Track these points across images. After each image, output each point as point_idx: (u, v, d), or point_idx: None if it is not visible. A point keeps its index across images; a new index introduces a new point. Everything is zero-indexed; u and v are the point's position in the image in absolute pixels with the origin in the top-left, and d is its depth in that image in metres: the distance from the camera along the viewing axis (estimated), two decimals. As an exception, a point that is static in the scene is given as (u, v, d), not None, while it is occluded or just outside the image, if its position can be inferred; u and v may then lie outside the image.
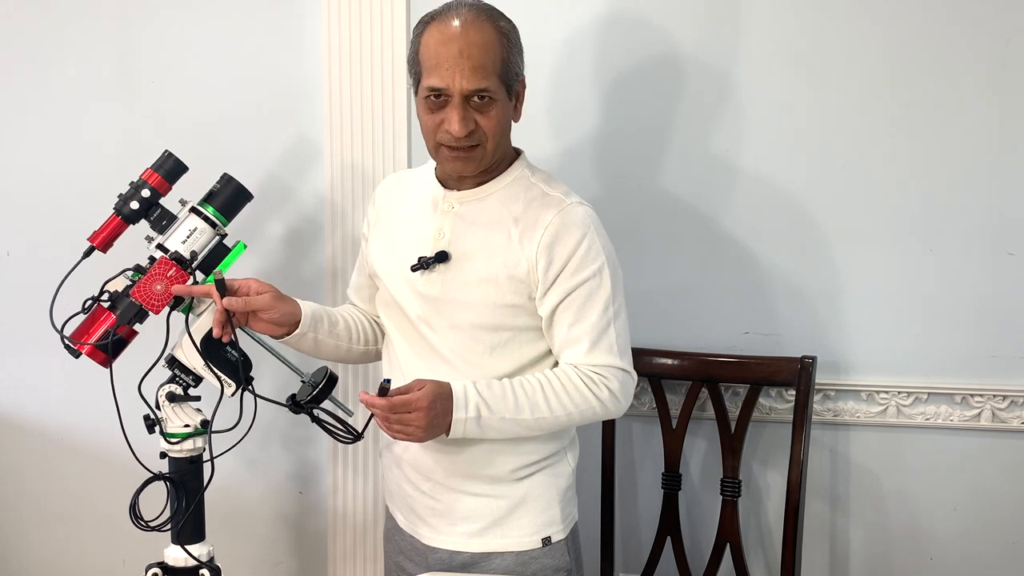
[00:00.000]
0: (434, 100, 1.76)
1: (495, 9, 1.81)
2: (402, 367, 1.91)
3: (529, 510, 1.87)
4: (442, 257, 1.83)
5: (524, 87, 1.86)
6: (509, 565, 1.86)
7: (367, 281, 2.04)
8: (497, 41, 1.75)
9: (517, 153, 1.91)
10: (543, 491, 1.88)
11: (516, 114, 1.85)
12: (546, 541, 1.88)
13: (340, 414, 1.97)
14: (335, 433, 1.97)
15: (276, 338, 1.95)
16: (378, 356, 2.07)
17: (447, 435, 1.78)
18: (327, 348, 2.00)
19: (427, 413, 1.73)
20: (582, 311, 1.79)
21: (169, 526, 1.96)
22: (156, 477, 1.95)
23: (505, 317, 1.82)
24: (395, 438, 1.80)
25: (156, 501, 1.96)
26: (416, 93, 1.81)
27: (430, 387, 1.75)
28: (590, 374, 1.81)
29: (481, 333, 1.82)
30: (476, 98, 1.75)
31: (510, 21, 1.81)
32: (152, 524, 1.94)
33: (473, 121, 1.76)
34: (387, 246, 1.94)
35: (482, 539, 1.88)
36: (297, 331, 1.92)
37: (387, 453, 2.01)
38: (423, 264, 1.84)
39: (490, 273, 1.80)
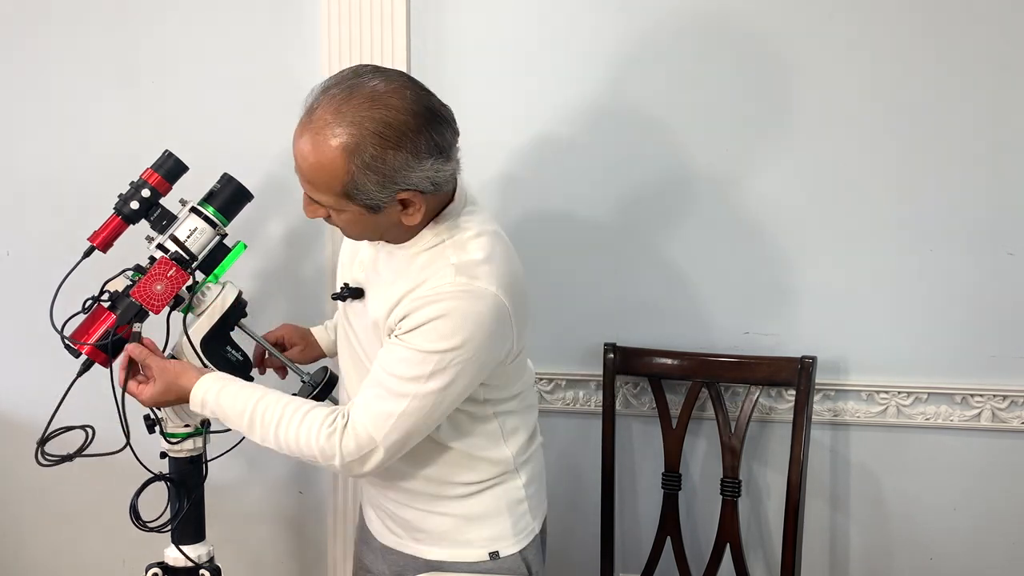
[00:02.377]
0: None
1: (372, 117, 1.55)
2: (345, 384, 1.90)
3: (475, 526, 1.83)
4: (357, 294, 1.79)
5: (416, 197, 1.61)
6: (463, 571, 1.83)
7: None
8: (336, 163, 1.56)
9: (451, 197, 1.70)
10: (491, 507, 1.83)
11: (408, 218, 1.64)
12: (494, 555, 1.84)
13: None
14: None
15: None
16: None
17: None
18: None
19: (157, 395, 1.79)
20: (384, 360, 1.66)
21: (169, 527, 1.96)
22: (156, 478, 1.95)
23: None
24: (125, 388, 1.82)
25: (157, 501, 1.97)
26: None
27: (169, 374, 1.79)
28: (334, 421, 1.69)
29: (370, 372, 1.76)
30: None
31: (379, 136, 1.54)
32: (152, 525, 1.94)
33: (324, 212, 1.66)
34: (341, 258, 1.91)
35: (433, 547, 1.85)
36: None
37: None
38: (341, 295, 1.81)
39: (373, 321, 1.74)
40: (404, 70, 2.31)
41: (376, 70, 1.63)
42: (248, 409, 1.75)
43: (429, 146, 1.58)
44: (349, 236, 1.77)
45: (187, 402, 1.80)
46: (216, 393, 1.78)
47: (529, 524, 1.88)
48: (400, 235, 1.71)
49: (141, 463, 1.91)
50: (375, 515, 1.95)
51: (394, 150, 1.56)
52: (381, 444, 1.67)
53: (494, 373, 1.73)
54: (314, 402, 1.78)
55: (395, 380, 1.65)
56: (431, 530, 1.85)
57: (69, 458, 1.90)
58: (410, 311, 1.63)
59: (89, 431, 1.91)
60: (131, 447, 1.88)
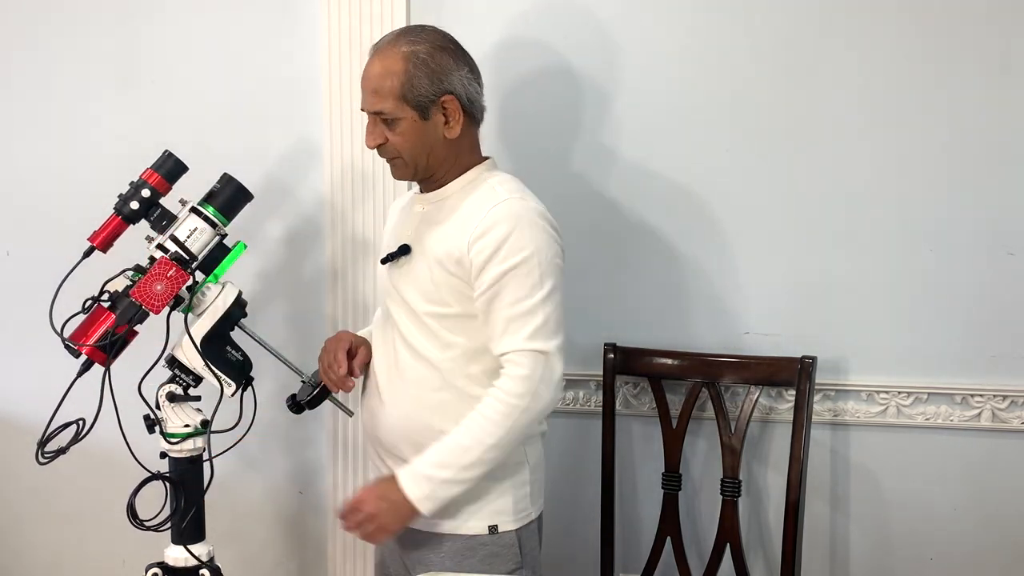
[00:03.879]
0: None
1: (421, 30, 1.92)
2: (374, 361, 1.99)
3: (476, 497, 1.90)
4: (404, 250, 1.92)
5: (455, 105, 1.89)
6: (459, 548, 1.90)
7: None
8: (398, 66, 1.86)
9: (483, 159, 1.97)
10: (493, 481, 1.90)
11: (449, 131, 1.90)
12: (492, 529, 1.91)
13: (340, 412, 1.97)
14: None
15: None
16: None
17: (424, 514, 1.84)
18: None
19: (374, 505, 1.84)
20: (502, 299, 1.84)
21: (167, 526, 1.96)
22: (154, 477, 1.95)
23: (451, 300, 1.87)
24: (367, 540, 1.91)
25: (157, 501, 1.97)
26: None
27: (372, 484, 1.90)
28: (498, 377, 1.85)
29: (431, 319, 1.89)
30: (381, 116, 1.88)
31: (431, 43, 1.89)
32: (149, 524, 1.94)
33: (383, 136, 1.89)
34: (385, 242, 2.04)
35: (437, 519, 1.90)
36: None
37: (366, 431, 2.05)
38: (389, 257, 1.94)
39: (436, 260, 1.88)
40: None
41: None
42: (458, 447, 1.83)
43: (466, 61, 1.92)
44: (403, 163, 1.92)
45: (413, 506, 1.82)
46: (423, 466, 1.83)
47: (527, 508, 1.96)
48: (442, 161, 1.92)
49: (139, 462, 1.91)
50: None
51: (440, 52, 1.89)
52: (549, 349, 1.84)
53: None
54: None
55: (521, 303, 1.82)
56: None
57: (63, 451, 1.91)
58: (484, 231, 1.83)
59: (81, 423, 1.91)
60: (128, 446, 1.89)
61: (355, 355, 1.98)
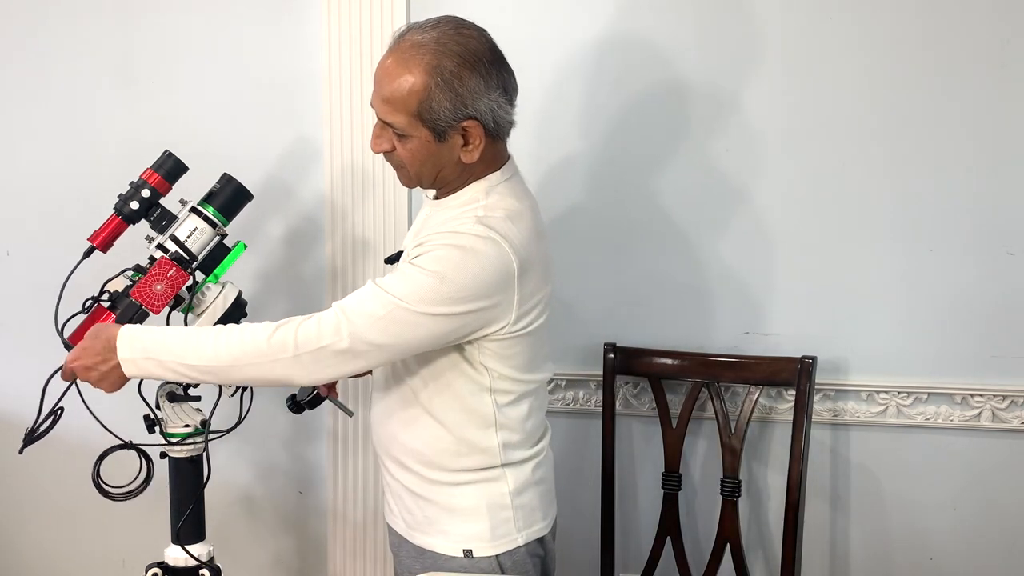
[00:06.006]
0: None
1: (456, 32, 1.70)
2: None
3: (454, 518, 1.84)
4: (397, 257, 1.84)
5: (478, 131, 1.70)
6: (442, 566, 1.84)
7: None
8: (418, 80, 1.66)
9: (500, 165, 1.79)
10: (472, 503, 1.83)
11: (467, 155, 1.72)
12: (467, 553, 1.83)
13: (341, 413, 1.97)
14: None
15: None
16: None
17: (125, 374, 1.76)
18: None
19: (84, 346, 1.77)
20: (385, 277, 1.71)
21: (135, 495, 1.95)
22: (122, 445, 1.94)
23: None
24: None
25: (159, 496, 1.97)
26: None
27: (94, 328, 1.79)
28: (287, 319, 1.71)
29: None
30: (392, 128, 1.72)
31: (463, 57, 1.67)
32: (115, 492, 1.92)
33: (390, 143, 1.74)
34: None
35: (417, 532, 1.88)
36: None
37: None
38: (389, 259, 1.89)
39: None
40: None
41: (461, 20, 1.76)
42: (181, 332, 1.75)
43: (499, 81, 1.71)
44: (408, 175, 1.78)
45: (115, 351, 1.74)
46: (143, 329, 1.77)
47: (510, 533, 1.85)
48: (452, 179, 1.77)
49: (108, 429, 1.90)
50: (385, 491, 1.96)
51: (470, 71, 1.67)
52: (348, 336, 1.65)
53: (500, 345, 1.74)
54: None
55: (388, 291, 1.66)
56: (418, 515, 1.86)
57: (41, 435, 1.89)
58: (426, 241, 1.70)
59: (58, 411, 1.90)
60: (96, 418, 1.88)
61: None
